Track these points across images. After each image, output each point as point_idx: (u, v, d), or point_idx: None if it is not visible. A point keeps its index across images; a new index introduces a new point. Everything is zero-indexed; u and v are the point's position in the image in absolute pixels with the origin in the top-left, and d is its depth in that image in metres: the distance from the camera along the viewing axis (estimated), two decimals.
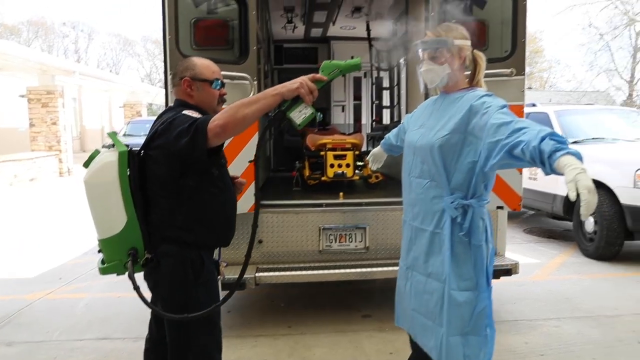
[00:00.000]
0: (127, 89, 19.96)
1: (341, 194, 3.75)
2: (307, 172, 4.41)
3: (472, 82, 1.89)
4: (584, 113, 6.85)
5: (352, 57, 1.72)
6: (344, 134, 4.95)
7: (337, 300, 4.10)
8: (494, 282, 1.95)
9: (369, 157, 2.62)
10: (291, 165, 4.80)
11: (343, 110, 6.88)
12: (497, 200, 3.35)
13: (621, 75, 21.99)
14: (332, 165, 4.09)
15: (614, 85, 24.85)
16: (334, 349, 3.23)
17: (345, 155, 4.08)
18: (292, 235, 3.52)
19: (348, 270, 3.39)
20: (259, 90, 3.36)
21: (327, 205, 3.58)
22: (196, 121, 1.58)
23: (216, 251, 1.88)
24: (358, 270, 3.39)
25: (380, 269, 3.41)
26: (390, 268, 3.34)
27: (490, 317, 1.88)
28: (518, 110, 3.28)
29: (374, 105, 6.29)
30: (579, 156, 1.34)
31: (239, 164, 3.11)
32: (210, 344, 1.77)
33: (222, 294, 1.89)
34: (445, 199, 1.80)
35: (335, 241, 3.55)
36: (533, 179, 6.59)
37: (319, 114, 1.68)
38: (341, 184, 4.31)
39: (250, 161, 1.83)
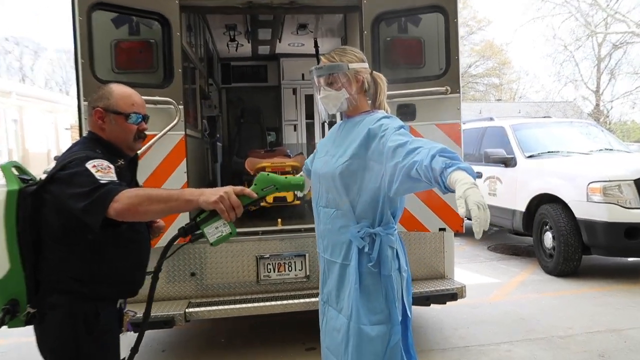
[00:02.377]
0: (74, 110, 19.50)
1: (279, 220, 3.76)
2: None
3: (375, 104, 1.94)
4: (540, 126, 7.12)
5: (300, 175, 1.75)
6: (288, 156, 4.97)
7: (280, 333, 4.06)
8: (442, 307, 1.96)
9: None
10: None
11: (295, 129, 6.93)
12: (439, 222, 3.42)
13: (587, 86, 23.05)
14: None
15: (582, 95, 26.01)
16: None
17: None
18: (228, 265, 3.50)
19: (289, 302, 3.37)
20: (186, 115, 3.35)
21: (264, 232, 3.58)
22: (99, 189, 1.50)
23: (121, 300, 1.81)
24: (299, 301, 3.38)
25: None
26: None
27: (410, 349, 1.91)
28: (455, 129, 3.38)
29: (326, 124, 6.39)
30: (469, 171, 1.37)
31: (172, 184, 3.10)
32: None
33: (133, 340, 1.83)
34: (352, 229, 1.83)
35: (274, 270, 3.55)
36: (492, 195, 6.77)
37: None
38: (282, 209, 4.31)
39: (149, 273, 1.77)
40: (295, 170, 4.18)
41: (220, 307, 3.30)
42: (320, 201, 1.95)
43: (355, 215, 1.82)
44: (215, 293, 3.49)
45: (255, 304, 3.34)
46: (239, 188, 1.60)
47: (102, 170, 1.57)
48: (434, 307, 4.00)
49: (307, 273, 3.56)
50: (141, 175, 2.97)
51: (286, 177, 1.76)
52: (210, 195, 1.54)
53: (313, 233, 3.54)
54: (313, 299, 3.36)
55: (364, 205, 1.81)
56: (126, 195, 1.51)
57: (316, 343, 3.75)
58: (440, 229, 3.43)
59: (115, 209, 1.48)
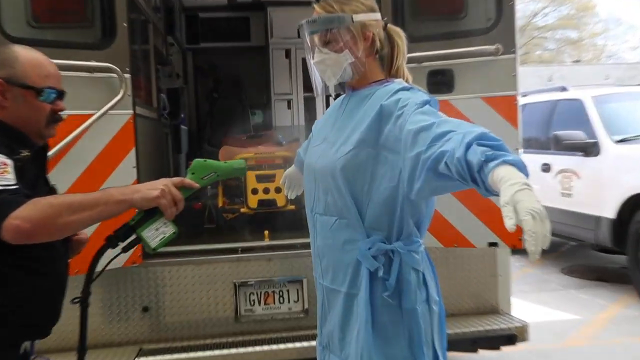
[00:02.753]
0: None
1: (266, 232, 3.78)
2: (220, 202, 4.46)
3: (390, 71, 1.94)
4: (636, 98, 7.08)
5: (241, 160, 1.96)
6: (280, 143, 5.00)
7: None
8: (495, 354, 1.97)
9: (282, 181, 2.67)
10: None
11: (289, 106, 6.95)
12: (489, 233, 3.43)
13: None
14: (255, 191, 4.14)
15: None
16: None
17: (274, 176, 4.14)
18: (194, 296, 3.53)
19: (280, 346, 3.38)
20: (134, 87, 3.37)
21: (245, 250, 3.60)
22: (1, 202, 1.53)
23: (27, 343, 1.82)
24: (295, 345, 3.39)
25: None
26: None
27: None
28: (509, 104, 3.38)
29: (331, 98, 6.35)
30: (519, 165, 1.35)
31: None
32: None
33: None
34: (360, 245, 1.83)
35: (259, 303, 3.57)
36: (567, 195, 6.75)
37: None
38: (271, 217, 4.33)
39: (73, 300, 1.86)
40: (289, 163, 4.20)
41: (184, 356, 3.30)
42: (317, 207, 1.95)
43: (364, 225, 1.82)
44: (176, 335, 3.50)
45: (234, 350, 3.34)
46: (177, 179, 1.76)
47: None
48: (484, 355, 4.01)
49: (306, 306, 3.56)
50: (68, 175, 3.06)
51: (226, 162, 1.91)
52: (147, 191, 1.67)
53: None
54: (314, 342, 3.34)
55: (377, 212, 1.81)
56: (32, 208, 1.54)
57: None
58: (491, 244, 3.43)
59: (17, 227, 1.52)
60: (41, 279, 1.75)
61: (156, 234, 1.74)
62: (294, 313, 3.58)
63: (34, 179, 1.79)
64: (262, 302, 3.56)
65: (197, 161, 1.89)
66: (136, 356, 3.29)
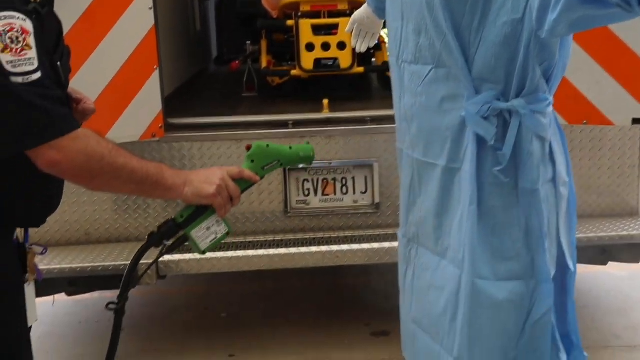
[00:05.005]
0: None
1: (325, 101, 3.76)
2: (264, 62, 4.42)
3: None
4: None
5: (307, 142, 2.02)
6: None
7: (324, 306, 4.21)
8: (630, 270, 1.97)
9: (348, 28, 2.69)
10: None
11: None
12: (635, 107, 3.32)
13: None
14: (310, 47, 4.06)
15: None
16: None
17: (336, 27, 4.04)
18: None
19: (341, 247, 3.44)
20: None
21: (297, 123, 3.60)
22: (22, 103, 1.56)
23: (19, 231, 1.88)
24: (362, 246, 3.45)
25: None
26: None
27: (570, 332, 1.96)
28: None
29: None
30: None
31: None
32: None
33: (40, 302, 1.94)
34: (467, 103, 1.82)
35: (315, 193, 3.60)
36: None
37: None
38: (329, 83, 4.33)
39: (108, 306, 1.94)
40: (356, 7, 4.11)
41: (219, 255, 3.39)
42: (405, 53, 1.95)
43: (472, 76, 1.81)
44: None
45: (282, 250, 3.42)
46: (235, 170, 1.85)
47: (13, 44, 1.56)
48: (615, 270, 3.99)
49: (376, 198, 3.59)
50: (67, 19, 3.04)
51: (290, 147, 1.97)
52: (202, 185, 1.78)
53: (387, 125, 3.55)
54: (386, 244, 3.42)
55: (490, 57, 1.79)
56: (81, 148, 1.62)
57: (388, 323, 3.89)
58: (636, 121, 3.34)
59: (50, 163, 1.60)
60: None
61: (207, 234, 1.84)
62: (360, 207, 3.60)
63: (56, 31, 1.77)
64: (319, 192, 3.60)
65: (259, 145, 1.94)
66: (160, 255, 3.39)
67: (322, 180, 3.60)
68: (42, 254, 1.95)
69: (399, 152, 2.13)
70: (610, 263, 3.52)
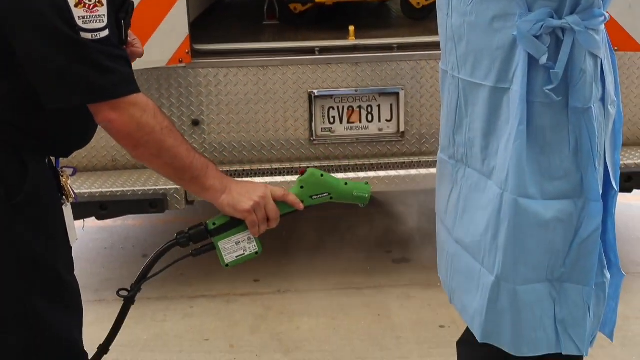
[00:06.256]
0: None
1: (352, 28, 3.71)
2: None
3: None
4: None
5: (366, 183, 1.99)
6: None
7: (344, 234, 4.26)
8: (627, 199, 1.96)
9: None
10: None
11: None
12: None
13: None
14: None
15: None
16: (337, 320, 3.38)
17: None
18: (256, 109, 3.58)
19: (366, 174, 3.49)
20: None
21: (323, 50, 3.58)
22: (85, 61, 1.58)
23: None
24: (387, 173, 3.49)
25: (426, 170, 3.47)
26: None
27: (609, 249, 1.95)
28: None
29: None
30: None
31: None
32: (56, 317, 1.81)
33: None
34: (519, 22, 1.78)
35: (341, 120, 3.61)
36: None
37: None
38: (354, 9, 4.32)
39: (119, 292, 1.96)
40: None
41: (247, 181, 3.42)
42: None
43: None
44: (234, 158, 3.62)
45: None
46: (280, 192, 1.84)
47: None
48: (633, 200, 4.03)
49: (401, 127, 3.60)
50: None
51: (346, 183, 1.94)
52: (240, 197, 1.78)
53: (414, 52, 3.61)
54: (412, 171, 3.48)
55: None
56: (135, 115, 1.65)
57: (411, 251, 4.02)
58: None
59: (108, 124, 1.64)
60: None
61: (235, 248, 1.85)
62: (385, 135, 3.62)
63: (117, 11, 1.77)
64: (345, 119, 3.60)
65: (313, 173, 1.91)
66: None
67: (348, 108, 3.60)
68: (72, 175, 1.98)
69: (443, 74, 2.10)
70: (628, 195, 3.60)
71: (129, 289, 1.92)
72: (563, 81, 1.78)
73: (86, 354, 1.91)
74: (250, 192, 1.80)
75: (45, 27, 1.55)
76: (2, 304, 1.73)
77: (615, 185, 1.91)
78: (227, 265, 1.88)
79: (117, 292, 1.92)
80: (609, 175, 1.89)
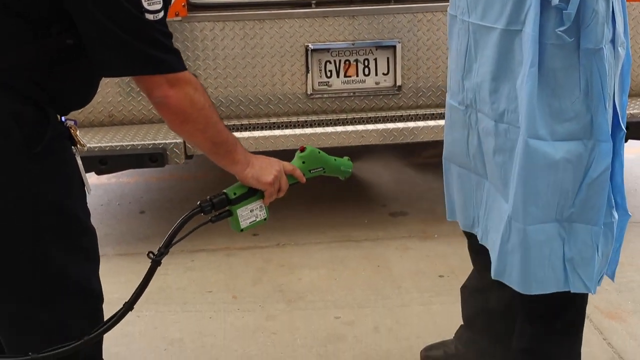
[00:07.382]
0: None
1: None
2: None
3: None
4: None
5: (348, 159, 2.19)
6: None
7: (343, 188, 4.24)
8: None
9: None
10: None
11: None
12: None
13: None
14: None
15: None
16: (337, 271, 3.43)
17: None
18: (253, 63, 3.57)
19: (363, 127, 3.49)
20: None
21: (320, 3, 3.55)
22: (145, 39, 1.64)
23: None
24: (383, 126, 3.50)
25: (425, 123, 3.49)
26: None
27: (616, 190, 1.96)
28: None
29: None
30: None
31: None
32: (76, 264, 1.83)
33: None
34: None
35: (338, 74, 3.61)
36: None
37: None
38: None
39: (148, 254, 1.99)
40: None
41: (246, 135, 3.44)
42: None
43: None
44: (231, 113, 3.61)
45: (307, 130, 3.48)
46: (289, 167, 2.02)
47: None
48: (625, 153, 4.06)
49: (398, 80, 3.61)
50: None
51: (335, 160, 2.17)
52: (262, 172, 1.94)
53: (411, 5, 3.58)
54: (410, 124, 3.49)
55: None
56: (190, 92, 1.70)
57: (407, 205, 4.09)
58: None
59: (162, 93, 1.69)
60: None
61: (249, 215, 1.98)
62: (382, 89, 3.62)
63: None
64: (342, 73, 3.59)
65: (313, 150, 2.12)
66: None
67: (344, 61, 3.59)
68: (75, 125, 1.97)
69: (451, 18, 2.10)
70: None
71: (156, 253, 1.99)
72: (575, 22, 1.78)
73: (102, 299, 1.94)
74: (270, 166, 1.96)
75: (116, 5, 1.61)
76: (22, 253, 1.75)
77: (623, 126, 1.92)
78: (242, 230, 2.01)
79: (147, 254, 1.99)
80: (617, 116, 1.90)
